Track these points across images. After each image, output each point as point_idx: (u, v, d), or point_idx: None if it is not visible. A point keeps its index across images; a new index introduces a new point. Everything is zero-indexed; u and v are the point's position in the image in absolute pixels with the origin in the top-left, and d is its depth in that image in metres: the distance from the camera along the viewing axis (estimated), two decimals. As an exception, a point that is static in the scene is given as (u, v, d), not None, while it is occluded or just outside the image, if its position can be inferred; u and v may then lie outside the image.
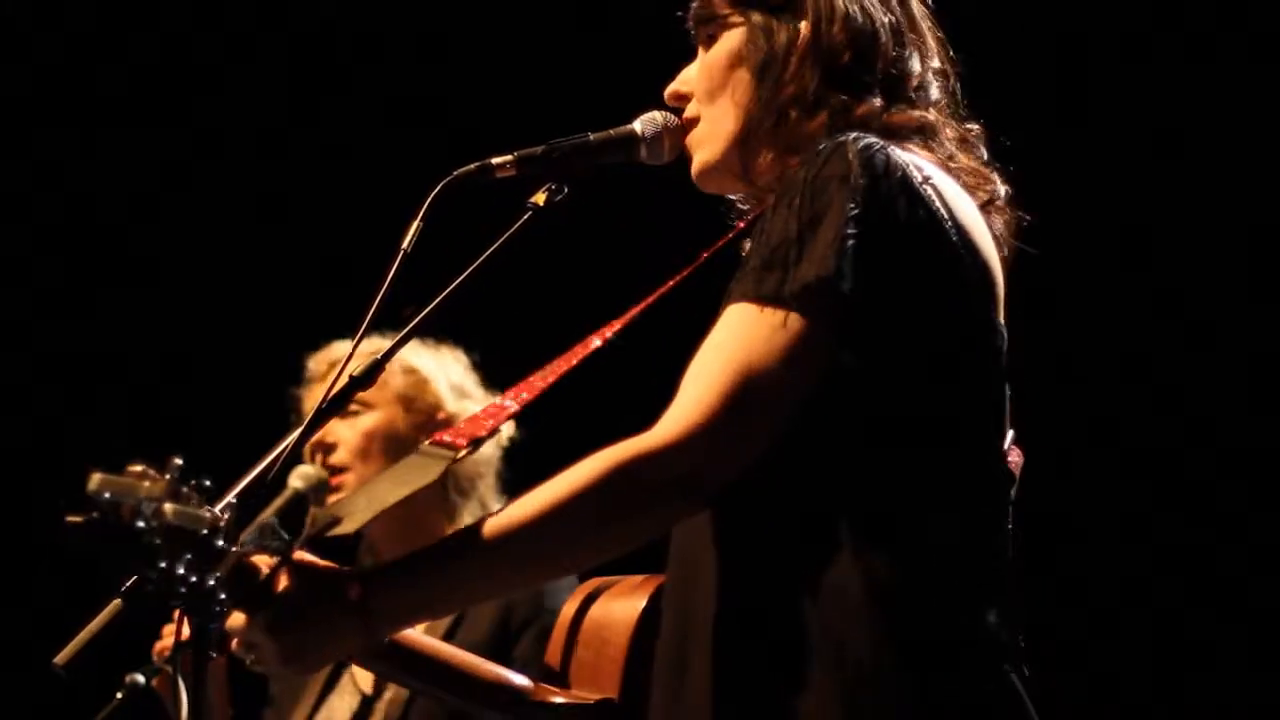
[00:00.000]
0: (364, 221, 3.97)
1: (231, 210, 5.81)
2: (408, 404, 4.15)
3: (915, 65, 2.65)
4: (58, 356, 5.79)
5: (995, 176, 2.64)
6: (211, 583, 2.28)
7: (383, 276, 2.63)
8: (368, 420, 4.13)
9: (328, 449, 4.10)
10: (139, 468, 2.24)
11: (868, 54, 2.62)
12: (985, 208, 2.58)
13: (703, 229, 2.75)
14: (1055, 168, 4.86)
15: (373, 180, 5.19)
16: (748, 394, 2.35)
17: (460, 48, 5.73)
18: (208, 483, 2.29)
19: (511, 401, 2.62)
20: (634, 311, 2.67)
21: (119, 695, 3.62)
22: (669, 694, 2.50)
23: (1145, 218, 5.10)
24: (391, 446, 4.08)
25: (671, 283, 2.68)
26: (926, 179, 2.46)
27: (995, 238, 2.56)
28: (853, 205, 2.38)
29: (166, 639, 3.78)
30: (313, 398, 4.11)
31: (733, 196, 2.76)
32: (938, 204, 2.45)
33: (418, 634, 2.56)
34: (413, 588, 2.40)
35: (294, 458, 2.57)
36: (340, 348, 4.14)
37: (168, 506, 2.23)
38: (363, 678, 4.06)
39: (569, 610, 2.69)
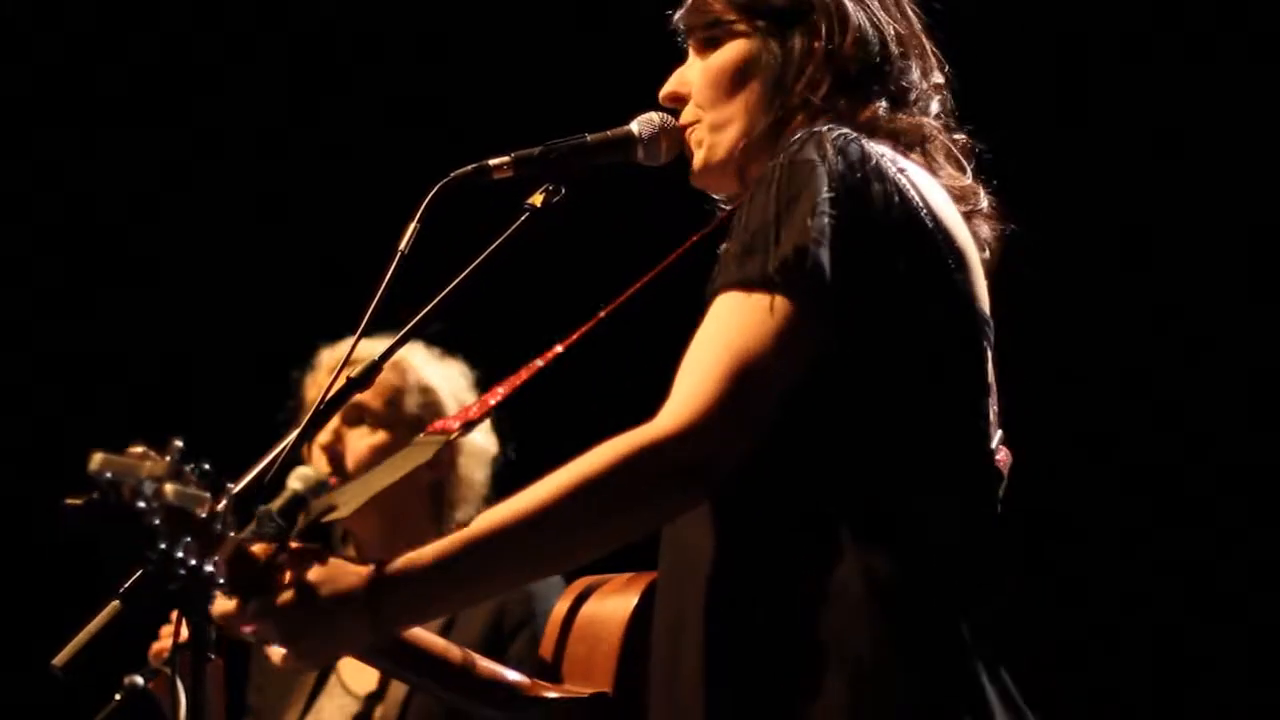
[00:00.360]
0: (364, 222, 3.96)
1: (231, 210, 5.81)
2: (422, 426, 4.16)
3: (917, 76, 2.68)
4: (58, 356, 5.78)
5: (981, 190, 2.66)
6: (210, 568, 2.28)
7: (381, 278, 2.63)
8: (381, 438, 4.14)
9: (338, 458, 4.12)
10: (140, 448, 2.25)
11: (876, 64, 2.65)
12: (969, 216, 2.60)
13: (701, 229, 2.75)
14: (1055, 168, 4.87)
15: (373, 180, 5.17)
16: (744, 381, 2.37)
17: (460, 48, 5.72)
18: (207, 466, 2.29)
19: (503, 390, 2.63)
20: (629, 291, 2.66)
21: (118, 697, 3.62)
22: (664, 689, 2.50)
23: (1145, 218, 5.09)
24: None
25: (664, 264, 2.68)
26: (901, 169, 2.49)
27: (975, 236, 2.58)
28: (828, 189, 2.41)
29: (164, 640, 3.77)
30: (315, 387, 4.13)
31: (718, 196, 2.77)
32: (912, 191, 2.47)
33: (415, 630, 2.57)
34: (420, 586, 2.39)
35: (293, 458, 2.58)
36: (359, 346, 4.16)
37: (168, 487, 2.23)
38: (351, 680, 4.06)
39: (561, 609, 2.70)
